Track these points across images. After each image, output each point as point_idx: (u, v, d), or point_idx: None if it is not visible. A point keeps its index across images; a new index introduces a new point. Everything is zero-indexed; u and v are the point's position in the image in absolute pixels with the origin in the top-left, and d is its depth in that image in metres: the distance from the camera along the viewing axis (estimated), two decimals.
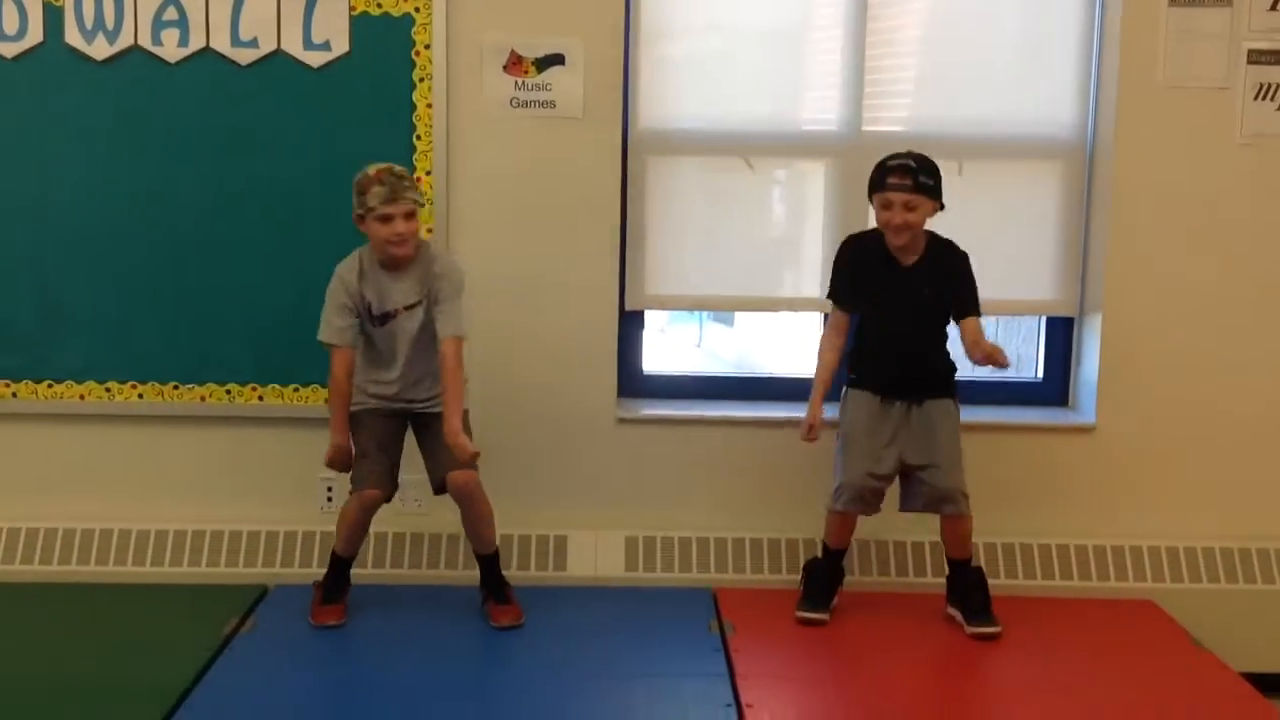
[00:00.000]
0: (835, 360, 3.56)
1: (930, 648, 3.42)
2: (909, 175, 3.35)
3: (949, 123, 3.83)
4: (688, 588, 3.72)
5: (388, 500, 3.43)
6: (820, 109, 3.92)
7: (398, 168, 3.33)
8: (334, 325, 3.35)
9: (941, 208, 3.43)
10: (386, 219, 3.28)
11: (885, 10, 3.86)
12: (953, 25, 3.89)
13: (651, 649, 3.34)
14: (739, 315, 5.56)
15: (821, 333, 3.65)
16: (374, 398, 3.44)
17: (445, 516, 3.65)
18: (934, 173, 3.40)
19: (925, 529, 3.70)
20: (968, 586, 3.53)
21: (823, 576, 3.57)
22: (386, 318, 3.39)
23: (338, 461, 3.42)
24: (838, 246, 3.58)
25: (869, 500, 3.50)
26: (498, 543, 3.51)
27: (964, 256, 3.48)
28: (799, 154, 3.94)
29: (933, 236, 3.48)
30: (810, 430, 3.50)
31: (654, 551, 3.79)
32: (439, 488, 3.41)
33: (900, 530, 3.77)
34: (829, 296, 3.59)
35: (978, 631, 3.45)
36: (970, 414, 3.74)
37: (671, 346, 4.12)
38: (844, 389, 3.57)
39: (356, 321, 3.37)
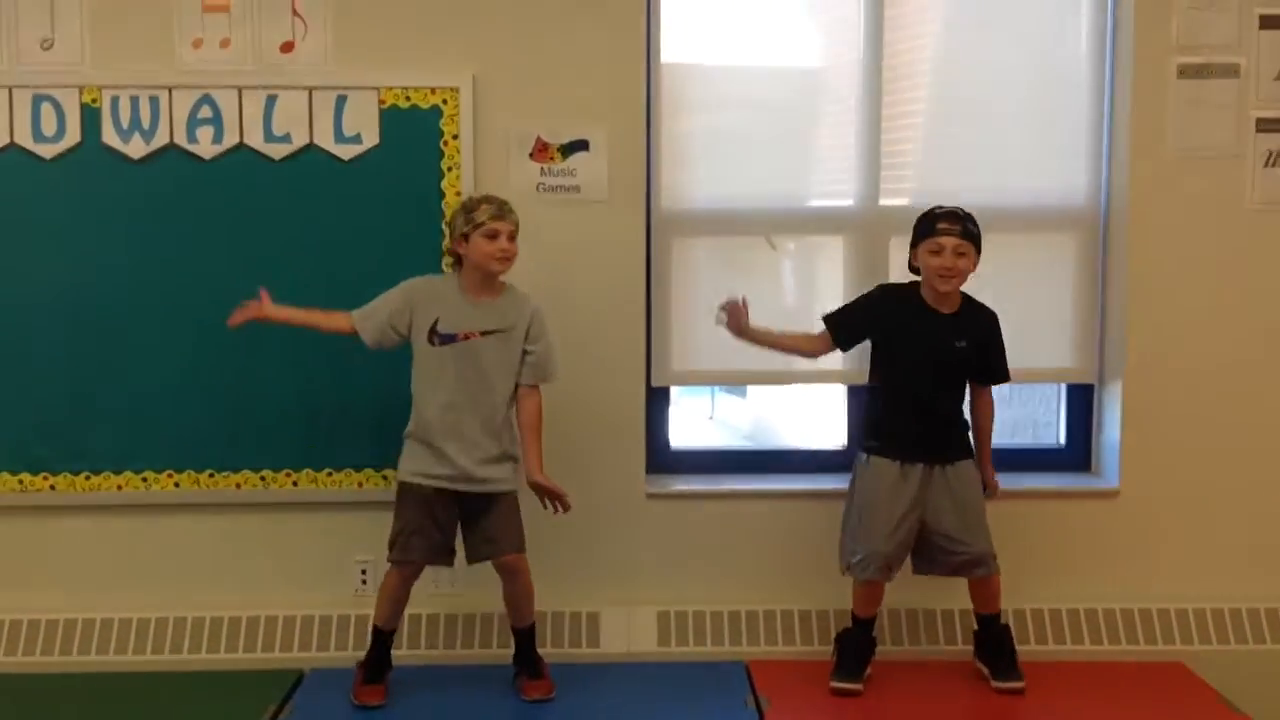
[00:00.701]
0: (798, 344, 3.66)
1: (969, 715, 3.44)
2: (959, 222, 3.45)
3: (964, 195, 3.83)
4: (721, 661, 3.74)
5: (448, 564, 3.52)
6: (836, 185, 4.01)
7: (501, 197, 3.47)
8: (371, 320, 3.46)
9: (975, 267, 3.52)
10: (493, 235, 3.38)
11: (898, 85, 3.97)
12: (965, 99, 3.99)
13: None
14: (751, 387, 5.62)
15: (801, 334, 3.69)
16: (431, 478, 3.45)
17: (476, 596, 3.72)
18: (977, 225, 3.50)
19: (954, 596, 3.72)
20: (995, 643, 3.59)
21: (854, 646, 3.59)
22: (451, 339, 3.44)
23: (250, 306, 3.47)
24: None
25: (893, 569, 3.54)
26: (534, 619, 3.57)
27: (995, 316, 3.59)
28: (817, 229, 4.02)
29: (966, 295, 3.58)
30: (723, 306, 3.55)
31: (686, 626, 3.82)
32: (477, 559, 3.50)
33: (930, 599, 3.79)
34: (827, 317, 3.63)
35: (1004, 687, 3.52)
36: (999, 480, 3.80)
37: (684, 418, 4.16)
38: (862, 457, 3.60)
39: (394, 333, 3.46)
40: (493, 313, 3.46)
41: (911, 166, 3.99)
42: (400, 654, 3.65)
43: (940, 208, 3.51)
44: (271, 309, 3.47)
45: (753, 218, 3.97)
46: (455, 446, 3.42)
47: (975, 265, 3.49)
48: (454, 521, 3.50)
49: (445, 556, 3.50)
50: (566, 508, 3.49)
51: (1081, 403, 4.07)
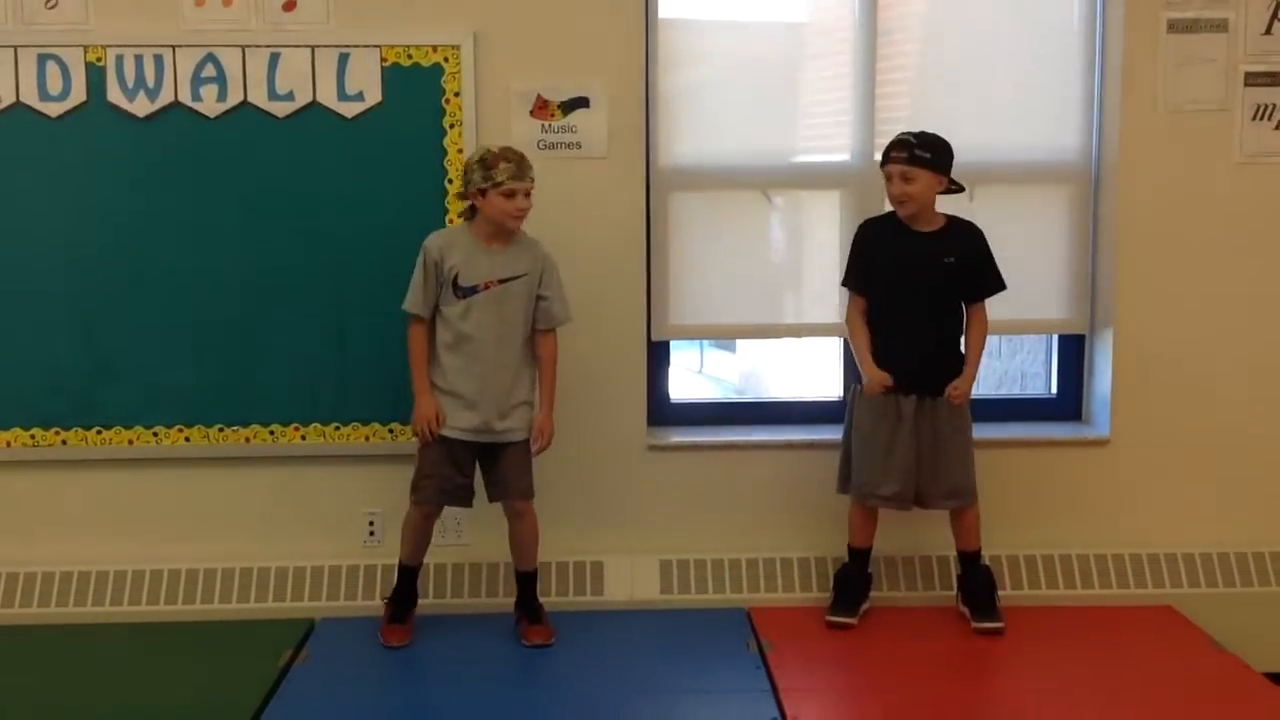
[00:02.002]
0: (866, 326, 3.69)
1: (962, 659, 3.54)
2: (905, 149, 3.56)
3: (958, 151, 3.90)
4: (722, 608, 3.83)
5: (468, 504, 3.63)
6: (833, 140, 4.06)
7: (515, 149, 3.51)
8: (417, 296, 3.52)
9: (954, 184, 3.61)
10: (511, 194, 3.45)
11: (892, 39, 4.01)
12: (959, 57, 4.04)
13: (694, 668, 3.46)
14: (740, 342, 5.65)
15: (847, 315, 3.76)
16: (453, 429, 3.54)
17: (484, 548, 3.80)
18: (936, 147, 3.57)
19: (948, 542, 3.81)
20: (975, 584, 3.70)
21: (851, 582, 3.73)
22: (473, 290, 3.51)
23: (425, 421, 3.52)
24: None
25: (897, 503, 3.63)
26: (536, 565, 3.68)
27: (980, 232, 3.67)
28: (814, 184, 4.07)
29: (952, 216, 3.66)
30: (884, 385, 3.60)
31: (688, 574, 3.91)
32: (496, 498, 3.63)
33: (932, 545, 3.88)
34: (843, 283, 3.76)
35: (983, 627, 3.63)
36: (987, 430, 3.90)
37: (673, 372, 4.24)
38: (855, 387, 3.71)
39: (434, 295, 3.53)
40: (508, 260, 3.54)
41: (905, 122, 4.01)
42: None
43: (898, 135, 3.61)
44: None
45: (750, 173, 4.03)
46: (479, 396, 3.52)
47: (940, 185, 3.58)
48: (473, 464, 3.60)
49: (464, 499, 3.61)
50: (540, 451, 3.60)
51: (1072, 353, 4.16)
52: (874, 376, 3.62)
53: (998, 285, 3.67)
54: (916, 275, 3.60)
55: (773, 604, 3.83)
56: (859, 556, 3.75)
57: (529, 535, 3.64)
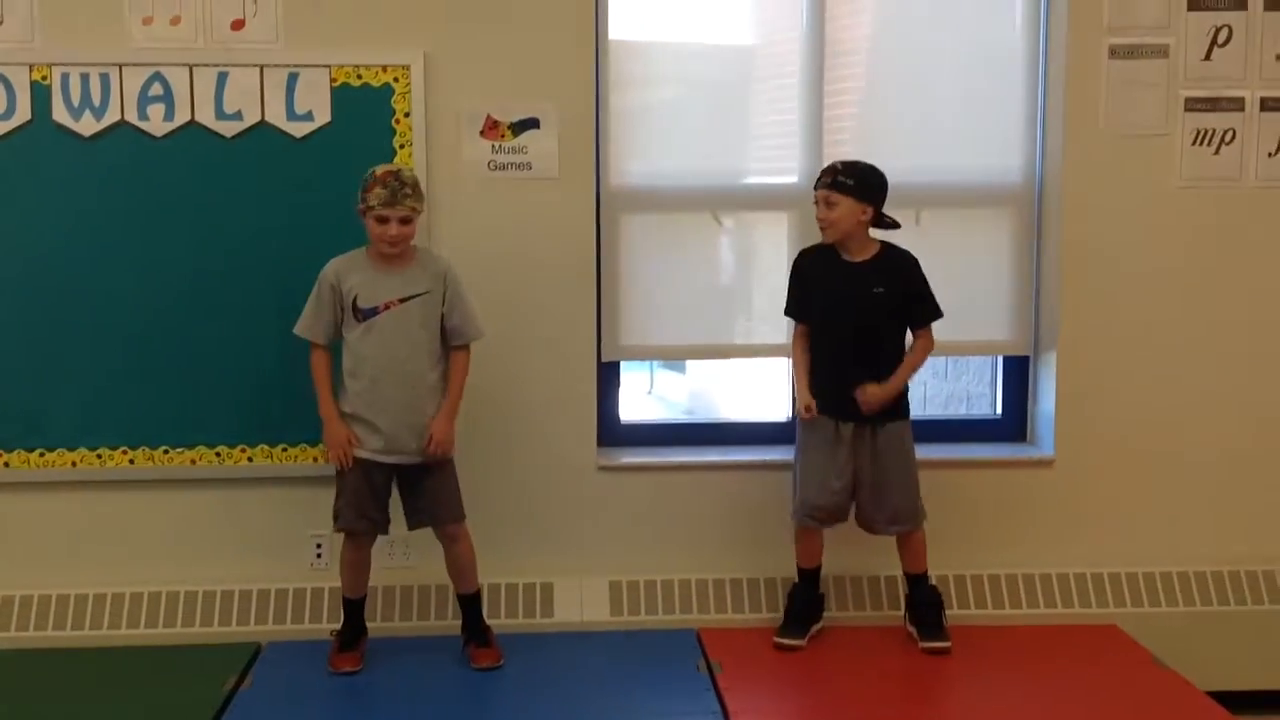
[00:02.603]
0: (806, 353, 3.73)
1: (912, 678, 3.56)
2: (829, 174, 3.62)
3: (904, 173, 3.93)
4: (672, 629, 3.83)
5: (384, 533, 3.59)
6: (780, 161, 4.09)
7: (406, 172, 3.48)
8: (310, 321, 3.51)
9: (878, 214, 3.63)
10: (382, 220, 3.43)
11: (837, 62, 4.05)
12: (901, 77, 4.09)
13: (643, 691, 3.46)
14: (689, 362, 5.68)
15: (791, 340, 3.79)
16: (365, 452, 3.52)
17: (431, 570, 3.77)
18: (861, 176, 3.60)
19: (896, 563, 3.83)
20: (923, 604, 3.73)
21: (799, 603, 3.75)
22: (373, 312, 3.49)
23: (339, 446, 3.49)
24: None
25: (826, 520, 3.68)
26: (478, 586, 3.65)
27: (915, 261, 3.68)
28: (763, 206, 4.10)
29: (886, 244, 3.68)
30: (808, 409, 3.64)
31: (638, 595, 3.91)
32: (416, 526, 3.60)
33: (881, 566, 3.89)
34: (785, 312, 3.78)
35: (930, 647, 3.66)
36: (932, 450, 3.94)
37: (623, 393, 4.25)
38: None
39: (331, 320, 3.51)
40: (407, 280, 3.51)
41: (850, 144, 4.06)
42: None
43: (830, 163, 3.67)
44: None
45: (699, 194, 4.05)
46: (386, 418, 3.49)
47: (863, 213, 3.59)
48: (388, 490, 3.58)
49: (381, 526, 3.58)
50: (430, 454, 3.51)
51: (1017, 374, 4.20)
52: (801, 400, 3.69)
53: (931, 314, 3.68)
54: (846, 305, 3.63)
55: (723, 625, 3.83)
56: (808, 576, 3.76)
57: (466, 558, 3.60)
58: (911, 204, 3.97)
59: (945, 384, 4.92)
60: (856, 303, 3.62)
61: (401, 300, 3.49)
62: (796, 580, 3.78)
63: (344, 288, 3.49)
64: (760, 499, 3.90)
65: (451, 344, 3.57)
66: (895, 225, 3.66)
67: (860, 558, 3.86)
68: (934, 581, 3.78)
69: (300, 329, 3.53)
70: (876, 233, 3.68)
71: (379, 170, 3.47)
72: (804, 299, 3.74)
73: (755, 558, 3.91)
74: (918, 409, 5.03)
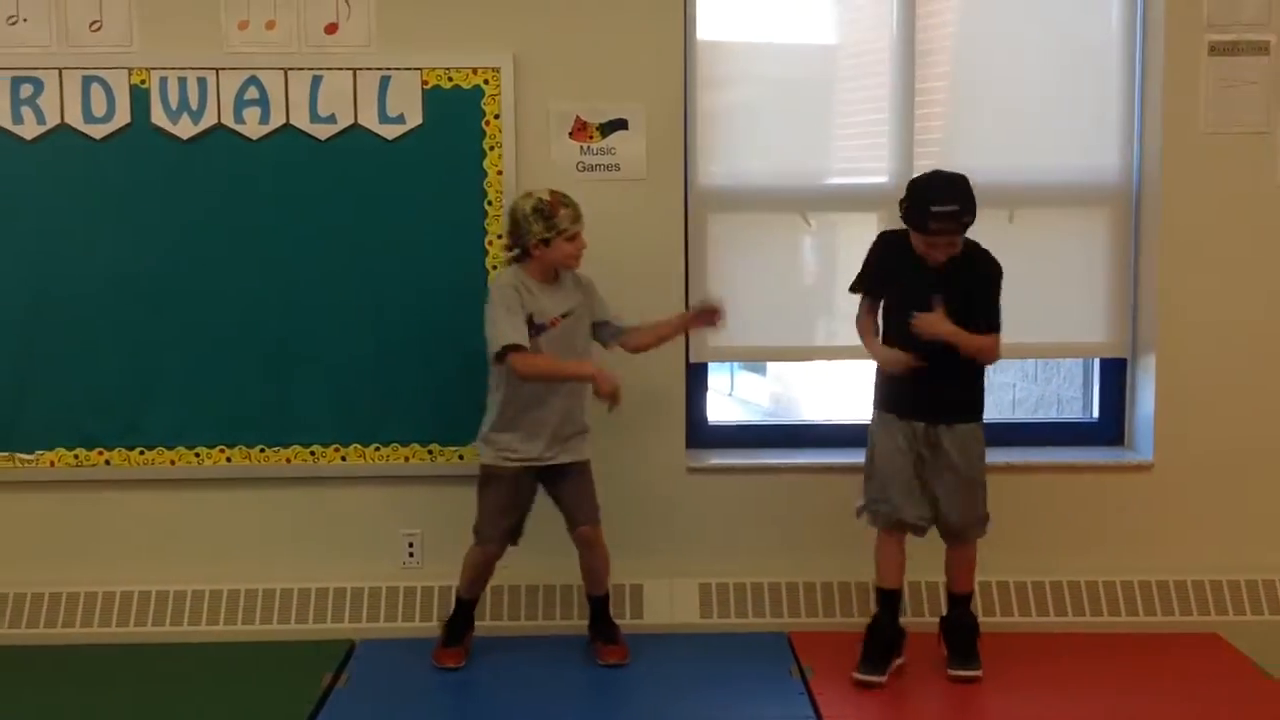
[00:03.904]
0: (873, 323, 3.60)
1: (1008, 686, 3.49)
2: (953, 220, 3.36)
3: (996, 172, 3.92)
4: (763, 633, 3.81)
5: (515, 544, 3.63)
6: (870, 162, 4.06)
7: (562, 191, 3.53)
8: (515, 329, 3.46)
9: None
10: (574, 237, 3.49)
11: (926, 60, 4.01)
12: (993, 75, 4.04)
13: (736, 694, 3.45)
14: (770, 364, 5.64)
15: (857, 316, 3.64)
16: (517, 461, 3.54)
17: (528, 571, 3.80)
18: (970, 201, 3.38)
19: (1001, 569, 3.82)
20: (960, 627, 3.57)
21: (881, 634, 3.54)
22: (542, 329, 3.53)
23: (611, 382, 3.45)
24: None
25: (906, 522, 3.52)
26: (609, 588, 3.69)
27: (998, 269, 3.47)
28: (851, 206, 4.07)
29: (971, 245, 3.47)
30: (899, 361, 3.45)
31: (728, 597, 3.90)
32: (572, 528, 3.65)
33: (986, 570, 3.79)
34: (850, 288, 3.62)
35: (960, 675, 3.49)
36: (1029, 455, 3.91)
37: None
38: (873, 410, 3.62)
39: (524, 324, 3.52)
40: (562, 296, 3.57)
41: (939, 143, 4.03)
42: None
43: (939, 200, 3.35)
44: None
45: (788, 194, 4.02)
46: (548, 430, 3.53)
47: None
48: (531, 502, 3.62)
49: (517, 538, 3.62)
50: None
51: (1115, 378, 4.12)
52: (888, 356, 3.50)
53: (996, 321, 3.44)
54: (918, 304, 3.45)
55: (815, 629, 3.81)
56: (888, 601, 3.57)
57: (600, 561, 3.65)
58: (1004, 204, 3.92)
59: (1035, 387, 4.85)
60: (930, 304, 3.45)
61: (563, 316, 3.54)
62: (877, 611, 3.58)
63: (524, 302, 3.51)
64: (851, 501, 3.76)
65: (614, 334, 3.66)
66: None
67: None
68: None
69: (509, 338, 3.43)
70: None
71: (544, 194, 3.48)
72: (875, 278, 3.57)
73: (847, 561, 3.86)
74: (1005, 411, 4.99)
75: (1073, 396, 4.52)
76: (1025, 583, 3.91)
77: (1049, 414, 4.95)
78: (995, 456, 3.72)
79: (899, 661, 3.55)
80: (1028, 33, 4.02)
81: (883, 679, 3.50)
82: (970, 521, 3.52)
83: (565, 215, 3.47)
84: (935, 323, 3.38)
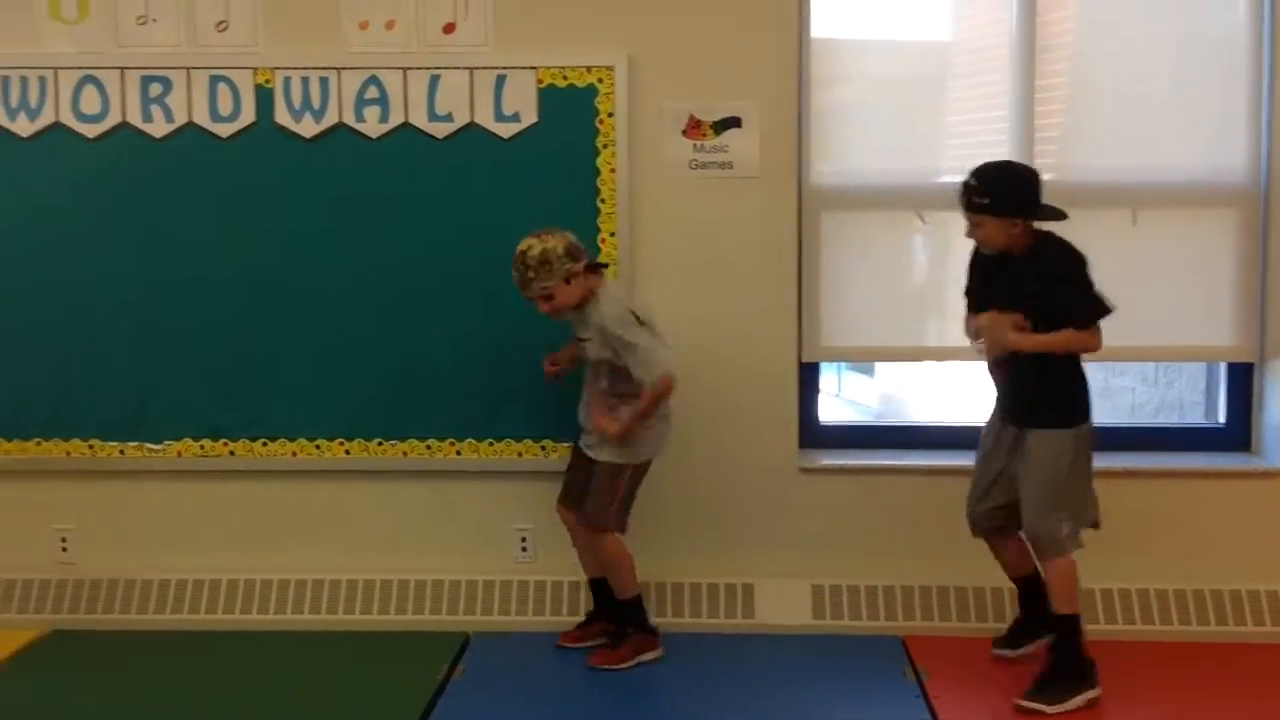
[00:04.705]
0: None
1: (1132, 690, 3.41)
2: (963, 193, 3.34)
3: (1118, 171, 3.88)
4: (876, 636, 3.79)
5: None
6: (987, 159, 3.97)
7: (531, 254, 3.44)
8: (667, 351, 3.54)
9: (1026, 218, 3.31)
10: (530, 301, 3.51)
11: (1047, 56, 3.94)
12: (1116, 74, 3.95)
13: (851, 696, 3.43)
14: (878, 365, 5.59)
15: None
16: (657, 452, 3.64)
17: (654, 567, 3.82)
18: (996, 189, 3.30)
19: (1120, 576, 3.74)
20: (1054, 657, 3.37)
21: (1025, 609, 3.56)
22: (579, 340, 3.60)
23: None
24: None
25: (980, 526, 3.51)
26: (630, 595, 3.64)
27: (1069, 257, 3.31)
28: None
29: (1045, 235, 3.35)
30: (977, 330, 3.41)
31: (840, 600, 3.87)
32: None
33: (1112, 576, 3.77)
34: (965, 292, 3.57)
35: (1025, 705, 3.29)
36: (1154, 460, 3.84)
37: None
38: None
39: None
40: (582, 322, 3.55)
41: (1058, 141, 3.96)
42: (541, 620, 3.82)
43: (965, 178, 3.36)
44: None
45: (901, 193, 3.98)
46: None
47: (1011, 224, 3.30)
48: None
49: None
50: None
51: (1241, 382, 4.01)
52: (969, 324, 3.45)
53: (1080, 312, 3.29)
54: (999, 302, 3.37)
55: (929, 632, 3.77)
56: (1020, 587, 3.58)
57: (593, 559, 3.69)
58: (1127, 203, 3.85)
59: (1156, 391, 4.73)
60: (1007, 302, 3.36)
61: (581, 339, 3.57)
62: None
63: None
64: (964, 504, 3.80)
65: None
66: (1059, 216, 3.32)
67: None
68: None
69: (671, 364, 3.48)
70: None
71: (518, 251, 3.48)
72: (968, 276, 3.51)
73: (963, 565, 3.80)
74: (1124, 416, 4.87)
75: (1194, 401, 4.40)
76: (1147, 590, 3.83)
77: (1170, 419, 4.83)
78: (1114, 461, 3.68)
79: (1032, 646, 3.51)
80: (1151, 26, 3.94)
81: (1008, 653, 3.53)
82: (1039, 534, 3.36)
83: (513, 278, 3.48)
84: (995, 329, 3.33)
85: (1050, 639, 3.39)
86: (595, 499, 3.56)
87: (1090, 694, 3.31)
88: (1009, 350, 3.32)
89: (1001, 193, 3.31)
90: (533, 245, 3.44)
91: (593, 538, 3.60)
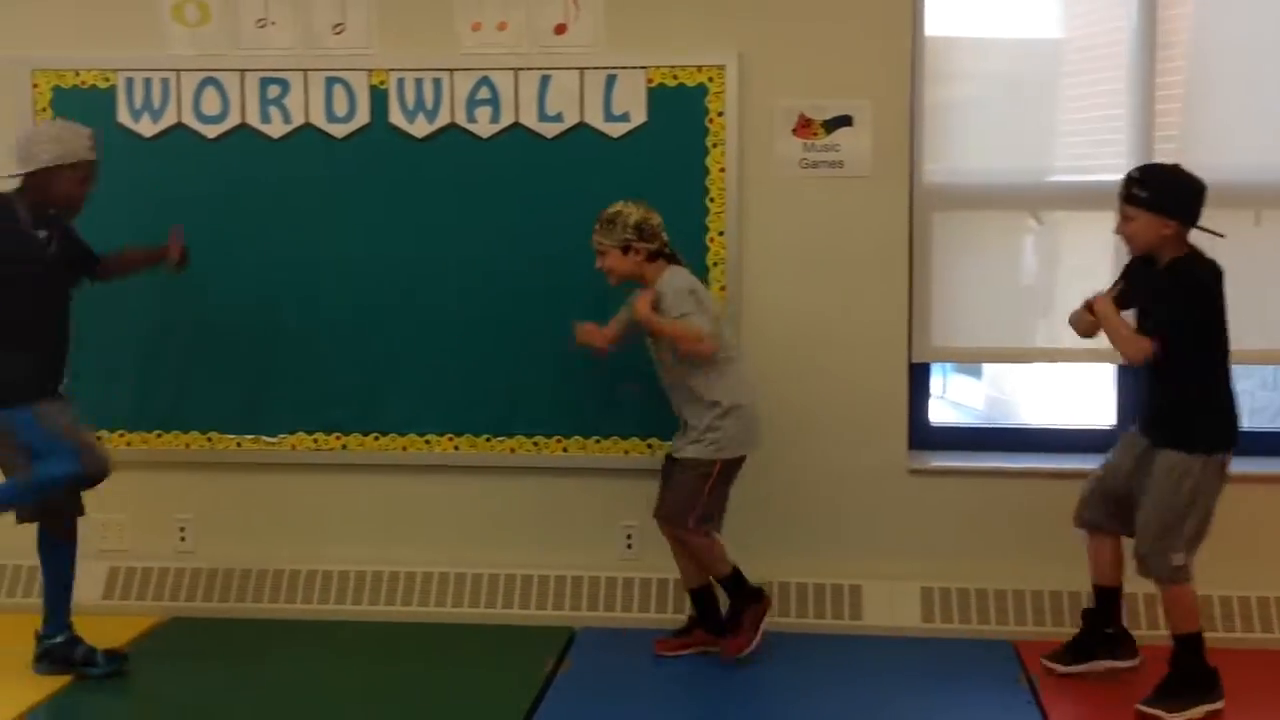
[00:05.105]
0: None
1: (1243, 704, 3.30)
2: (1125, 184, 3.25)
3: (1239, 170, 3.76)
4: (987, 640, 3.73)
5: None
6: (1098, 160, 3.92)
7: (608, 211, 3.54)
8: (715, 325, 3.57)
9: (1184, 224, 3.20)
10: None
11: (1165, 54, 3.85)
12: (1236, 71, 3.86)
13: (962, 701, 3.39)
14: (986, 366, 5.50)
15: None
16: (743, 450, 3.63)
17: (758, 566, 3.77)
18: (1160, 186, 3.21)
19: (1240, 584, 3.68)
20: (1172, 674, 3.27)
21: (1088, 623, 3.48)
22: None
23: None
24: None
25: (1084, 519, 3.43)
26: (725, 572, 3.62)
27: (1188, 274, 3.19)
28: (1084, 205, 3.92)
29: (1193, 256, 3.23)
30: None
31: (950, 603, 3.82)
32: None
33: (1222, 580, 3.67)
34: None
35: (1145, 711, 3.21)
36: (1273, 465, 3.72)
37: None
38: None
39: None
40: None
41: (1178, 140, 3.86)
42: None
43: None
44: None
45: (1015, 192, 3.93)
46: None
47: (1164, 227, 3.17)
48: None
49: None
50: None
51: None
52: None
53: (1157, 329, 3.18)
54: (1139, 315, 3.30)
55: (1041, 638, 3.69)
56: (1099, 597, 3.46)
57: (681, 554, 3.68)
58: (1249, 204, 3.76)
59: (1275, 395, 4.60)
60: (1144, 313, 3.30)
61: None
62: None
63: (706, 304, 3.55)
64: None
65: None
66: (1216, 234, 3.24)
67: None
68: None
69: (709, 334, 3.48)
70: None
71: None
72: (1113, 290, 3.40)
73: (1076, 571, 3.68)
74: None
75: None
76: (1268, 598, 3.73)
77: None
78: (1232, 466, 3.54)
79: (1093, 665, 3.42)
80: (1271, 20, 3.82)
81: (1061, 669, 3.41)
82: (1148, 559, 3.25)
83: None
84: (1098, 302, 3.28)
85: (1172, 652, 3.28)
86: (678, 497, 3.56)
87: (1211, 706, 3.22)
88: (1094, 313, 3.28)
89: (1163, 190, 3.22)
90: (616, 205, 3.54)
91: (674, 533, 3.59)
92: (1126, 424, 3.65)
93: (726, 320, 3.66)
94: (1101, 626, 3.48)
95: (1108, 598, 3.47)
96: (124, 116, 3.99)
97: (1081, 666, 3.45)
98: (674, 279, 3.51)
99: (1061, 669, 3.45)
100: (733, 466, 3.58)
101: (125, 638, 3.74)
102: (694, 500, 3.52)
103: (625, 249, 3.50)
